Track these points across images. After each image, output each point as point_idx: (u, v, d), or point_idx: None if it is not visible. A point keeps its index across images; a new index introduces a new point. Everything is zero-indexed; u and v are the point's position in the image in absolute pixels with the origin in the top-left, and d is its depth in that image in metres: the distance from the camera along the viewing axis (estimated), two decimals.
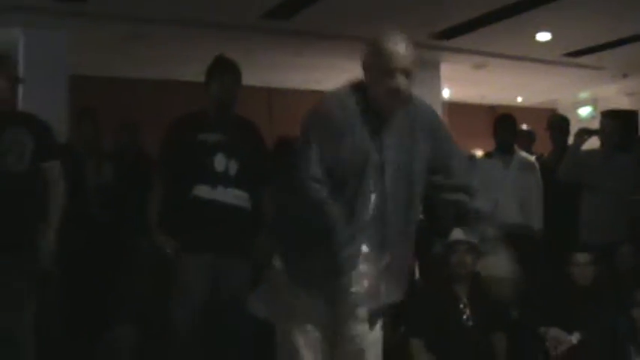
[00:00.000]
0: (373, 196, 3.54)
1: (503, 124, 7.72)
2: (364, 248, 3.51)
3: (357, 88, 3.66)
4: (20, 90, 9.34)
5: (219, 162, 5.18)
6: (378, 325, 3.73)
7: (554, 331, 5.99)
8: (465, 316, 5.82)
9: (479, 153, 8.17)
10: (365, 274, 3.51)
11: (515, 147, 7.72)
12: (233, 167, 5.21)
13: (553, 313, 6.10)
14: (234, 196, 5.20)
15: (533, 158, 7.94)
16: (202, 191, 5.13)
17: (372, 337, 3.66)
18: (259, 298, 6.60)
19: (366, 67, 3.64)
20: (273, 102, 13.73)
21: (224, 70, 5.40)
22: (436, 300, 5.85)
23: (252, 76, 11.93)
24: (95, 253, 6.55)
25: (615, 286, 6.45)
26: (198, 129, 5.26)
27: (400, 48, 3.60)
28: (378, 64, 3.58)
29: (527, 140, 8.64)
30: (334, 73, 12.22)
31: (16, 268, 4.77)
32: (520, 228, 7.36)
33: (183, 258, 5.12)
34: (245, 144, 5.35)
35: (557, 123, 8.60)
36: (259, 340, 5.70)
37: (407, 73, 3.59)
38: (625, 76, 13.57)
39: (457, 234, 6.10)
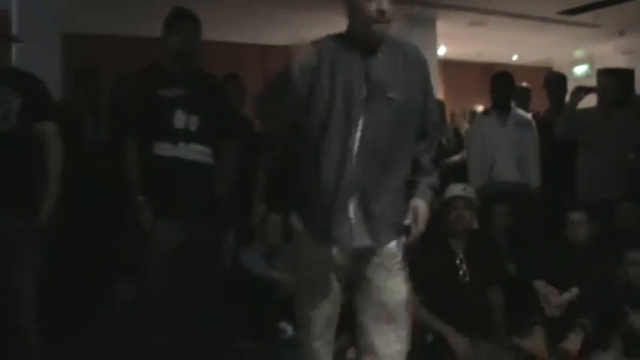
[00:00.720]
0: (360, 125, 3.55)
1: (501, 82, 7.74)
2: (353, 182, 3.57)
3: (333, 35, 3.71)
4: (14, 49, 9.42)
5: (179, 118, 5.03)
6: (402, 280, 3.76)
7: (545, 288, 6.03)
8: (461, 272, 5.85)
9: (479, 109, 8.17)
10: (356, 211, 3.61)
11: (513, 104, 7.73)
12: (194, 123, 5.07)
13: (549, 269, 6.14)
14: (195, 152, 5.07)
15: (529, 115, 7.94)
16: (163, 149, 5.01)
17: (397, 292, 3.72)
18: (255, 254, 6.70)
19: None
20: (268, 59, 13.68)
21: (182, 20, 5.19)
22: (432, 256, 5.86)
23: (247, 33, 11.95)
24: (94, 209, 6.57)
25: (613, 243, 6.48)
26: (157, 84, 5.11)
27: None
28: None
29: (525, 98, 8.62)
30: (330, 30, 12.22)
31: (17, 229, 4.69)
32: (518, 185, 7.40)
33: (156, 221, 5.04)
34: (207, 98, 5.20)
35: (554, 81, 8.60)
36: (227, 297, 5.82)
37: None
38: (621, 34, 13.57)
39: (455, 190, 6.11)
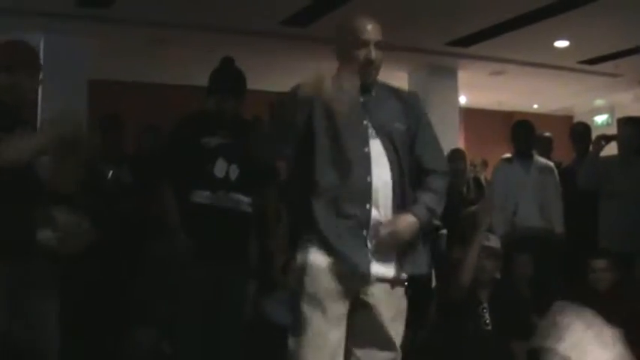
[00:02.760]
0: (363, 159, 3.66)
1: (522, 130, 7.77)
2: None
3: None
4: (40, 93, 9.53)
5: (220, 167, 5.12)
6: (399, 298, 3.86)
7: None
8: (485, 320, 5.83)
9: (505, 156, 8.20)
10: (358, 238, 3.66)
11: (534, 152, 7.75)
12: (234, 172, 5.15)
13: None
14: (234, 201, 5.14)
15: (551, 163, 7.95)
16: (202, 197, 5.07)
17: (391, 309, 3.79)
18: (278, 303, 6.70)
19: (339, 47, 3.88)
20: None
21: (227, 77, 5.34)
22: (456, 303, 5.85)
23: (271, 81, 12.01)
24: (115, 254, 6.59)
25: (633, 295, 6.45)
26: (200, 132, 5.18)
27: (368, 22, 3.85)
28: (350, 39, 3.80)
29: (547, 146, 8.62)
30: None
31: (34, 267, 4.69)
32: (541, 231, 7.38)
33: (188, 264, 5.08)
34: (246, 146, 5.20)
35: (579, 131, 8.60)
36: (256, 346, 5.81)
37: (378, 46, 3.82)
38: None
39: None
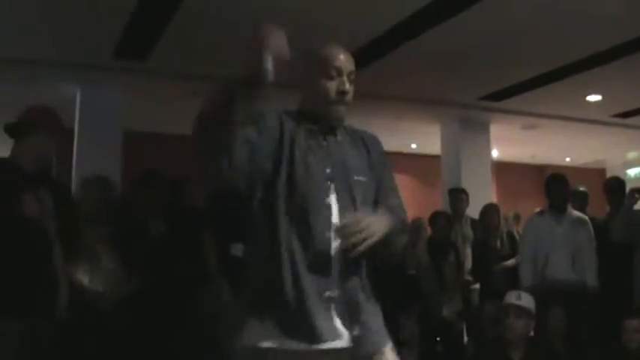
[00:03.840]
0: (325, 213, 3.14)
1: (556, 183, 7.74)
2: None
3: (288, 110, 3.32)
4: (75, 145, 9.63)
5: None
6: None
7: None
8: None
9: (537, 210, 8.19)
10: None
11: (569, 206, 7.72)
12: None
13: None
14: None
15: (585, 216, 7.93)
16: (237, 249, 5.17)
17: None
18: None
19: (306, 75, 3.31)
20: None
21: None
22: None
23: None
24: (150, 306, 6.60)
25: None
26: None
27: (342, 52, 3.31)
28: (322, 68, 3.27)
29: (583, 201, 8.58)
30: (384, 133, 12.32)
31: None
32: (573, 284, 7.34)
33: None
34: None
35: (614, 185, 8.59)
36: None
37: (350, 78, 3.30)
38: None
39: (509, 297, 6.11)
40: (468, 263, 8.75)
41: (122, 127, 9.99)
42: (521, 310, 5.99)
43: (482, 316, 7.45)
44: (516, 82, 9.90)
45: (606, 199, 8.49)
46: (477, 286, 8.47)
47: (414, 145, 14.73)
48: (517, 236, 9.41)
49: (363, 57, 8.46)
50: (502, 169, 15.82)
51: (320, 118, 3.29)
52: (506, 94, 10.54)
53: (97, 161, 8.90)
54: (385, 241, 3.10)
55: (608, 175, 12.84)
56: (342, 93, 3.25)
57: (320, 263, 3.08)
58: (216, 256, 5.18)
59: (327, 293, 3.08)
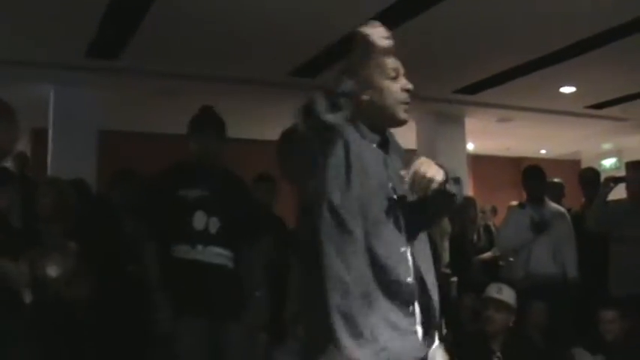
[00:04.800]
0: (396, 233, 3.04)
1: (533, 176, 7.76)
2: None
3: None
4: (50, 145, 9.58)
5: (199, 220, 4.97)
6: None
7: None
8: None
9: (513, 203, 8.19)
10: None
11: (546, 198, 7.75)
12: (214, 225, 5.00)
13: None
14: (214, 255, 4.98)
15: (563, 208, 7.95)
16: (181, 251, 4.92)
17: None
18: (288, 353, 6.68)
19: (365, 73, 3.06)
20: None
21: (205, 123, 5.21)
22: (470, 353, 5.83)
23: (279, 131, 12.06)
24: (128, 308, 6.54)
25: None
26: (179, 184, 5.04)
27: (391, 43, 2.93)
28: (382, 65, 3.14)
29: (558, 192, 8.61)
30: None
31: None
32: (554, 277, 7.36)
33: (177, 323, 4.91)
34: (230, 199, 5.12)
35: (589, 176, 8.62)
36: None
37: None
38: None
39: (490, 291, 6.12)
40: (446, 256, 8.75)
41: (97, 126, 9.94)
42: (501, 304, 6.00)
43: (460, 309, 7.46)
44: (490, 75, 9.91)
45: (581, 190, 8.52)
46: (455, 279, 8.48)
47: None
48: (494, 229, 9.44)
49: (337, 52, 8.46)
50: (478, 162, 15.85)
51: (379, 131, 3.19)
52: (481, 87, 10.56)
53: (72, 161, 8.87)
54: (443, 191, 3.00)
55: (584, 166, 12.86)
56: (407, 91, 3.19)
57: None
58: (153, 260, 5.00)
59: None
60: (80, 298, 5.22)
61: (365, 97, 3.11)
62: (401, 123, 3.21)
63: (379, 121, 3.18)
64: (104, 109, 10.03)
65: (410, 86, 3.17)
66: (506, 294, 6.09)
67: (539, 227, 7.47)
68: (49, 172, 9.45)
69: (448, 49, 8.65)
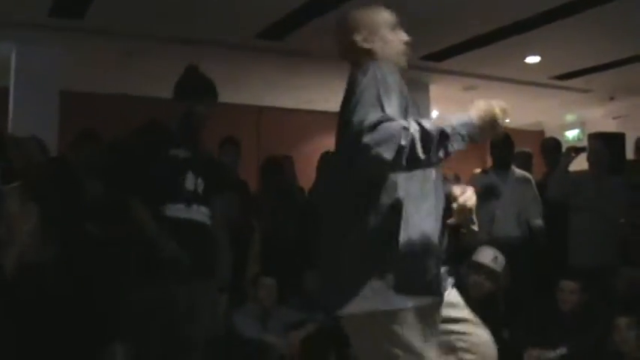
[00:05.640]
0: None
1: (499, 142, 7.78)
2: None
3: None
4: (11, 105, 9.48)
5: (190, 180, 4.96)
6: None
7: (534, 352, 6.07)
8: None
9: (476, 171, 8.22)
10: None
11: (512, 165, 7.78)
12: (200, 185, 5.00)
13: (540, 335, 6.17)
14: (203, 214, 5.00)
15: (529, 174, 7.98)
16: (177, 210, 4.88)
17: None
18: (248, 316, 6.70)
19: (373, 30, 3.45)
20: (264, 120, 13.76)
21: (194, 85, 5.14)
22: None
23: (244, 94, 12.02)
24: (90, 268, 6.51)
25: (608, 308, 6.52)
26: (167, 144, 5.00)
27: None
28: (386, 20, 3.47)
29: (527, 162, 8.64)
30: (325, 93, 12.30)
31: None
32: (516, 240, 7.40)
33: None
34: (207, 161, 5.18)
35: (550, 145, 8.67)
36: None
37: None
38: (612, 99, 13.67)
39: (485, 256, 6.15)
40: None
41: (59, 87, 9.84)
42: (493, 274, 6.06)
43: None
44: (457, 43, 9.91)
45: (543, 159, 8.58)
46: None
47: None
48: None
49: (303, 16, 8.43)
50: None
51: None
52: (447, 55, 10.56)
53: (34, 121, 8.77)
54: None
55: (547, 137, 12.95)
56: (407, 44, 3.49)
57: None
58: (149, 217, 4.96)
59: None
60: (44, 260, 5.20)
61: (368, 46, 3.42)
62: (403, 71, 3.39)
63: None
64: (67, 70, 9.93)
65: (406, 38, 3.47)
66: (499, 264, 6.14)
67: (486, 193, 7.49)
68: (9, 131, 9.35)
69: (414, 15, 8.61)
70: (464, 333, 3.40)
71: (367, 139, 2.83)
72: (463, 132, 2.99)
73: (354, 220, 3.11)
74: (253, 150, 11.78)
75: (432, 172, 3.22)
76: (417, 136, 2.87)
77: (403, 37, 3.47)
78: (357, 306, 3.04)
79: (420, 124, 2.90)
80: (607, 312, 6.39)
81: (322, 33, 9.24)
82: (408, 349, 3.04)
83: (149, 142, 5.09)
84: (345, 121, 3.08)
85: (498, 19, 8.78)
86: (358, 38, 3.45)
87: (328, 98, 13.01)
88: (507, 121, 2.87)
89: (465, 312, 3.47)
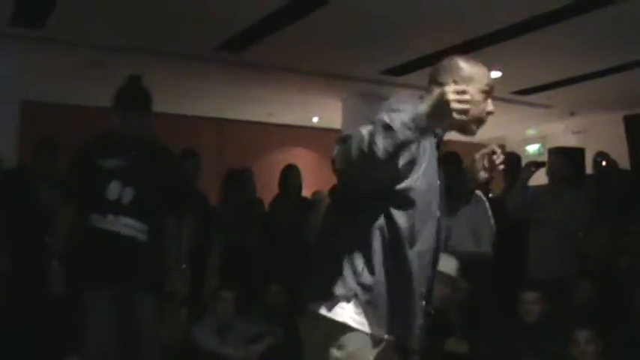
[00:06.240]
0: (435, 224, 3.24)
1: (448, 160, 7.79)
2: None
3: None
4: None
5: (113, 189, 4.87)
6: None
7: None
8: None
9: None
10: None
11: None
12: (128, 195, 4.90)
13: (501, 347, 6.18)
14: (124, 225, 4.89)
15: (478, 191, 8.02)
16: (94, 220, 4.85)
17: None
18: (207, 329, 6.67)
19: (465, 80, 3.29)
20: (224, 133, 13.74)
21: (130, 95, 5.11)
22: None
23: (204, 106, 12.02)
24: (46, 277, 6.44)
25: (564, 320, 6.55)
26: (98, 153, 4.98)
27: (488, 70, 3.42)
28: (479, 83, 3.35)
29: None
30: (286, 106, 12.31)
31: None
32: (472, 255, 7.42)
33: (87, 293, 4.89)
34: (151, 172, 5.05)
35: (510, 160, 8.70)
36: None
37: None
38: (572, 114, 13.79)
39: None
40: None
41: (20, 97, 9.79)
42: (445, 277, 6.07)
43: None
44: (417, 57, 9.94)
45: (502, 174, 8.60)
46: None
47: (315, 119, 14.70)
48: None
49: (263, 29, 8.43)
50: None
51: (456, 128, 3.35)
52: (408, 69, 10.58)
53: None
54: None
55: (507, 151, 13.02)
56: (488, 115, 3.43)
57: None
58: (62, 229, 4.95)
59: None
60: None
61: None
62: (468, 133, 3.45)
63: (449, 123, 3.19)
64: (28, 80, 9.88)
65: (491, 109, 3.42)
66: (451, 267, 6.15)
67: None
68: None
69: (375, 29, 8.66)
70: None
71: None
72: (406, 119, 2.81)
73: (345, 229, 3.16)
74: (214, 162, 11.74)
75: (436, 210, 3.25)
76: (365, 131, 2.87)
77: (490, 107, 3.41)
78: (325, 309, 3.08)
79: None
80: (565, 324, 6.42)
81: (281, 47, 9.31)
82: None
83: (80, 153, 5.13)
84: None
85: (459, 34, 8.82)
86: (447, 81, 3.30)
87: (288, 112, 13.06)
88: (467, 106, 2.75)
89: None
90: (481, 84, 3.34)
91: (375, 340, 3.10)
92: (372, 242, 3.07)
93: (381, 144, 2.79)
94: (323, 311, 3.08)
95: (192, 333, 6.65)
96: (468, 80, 3.28)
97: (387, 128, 2.80)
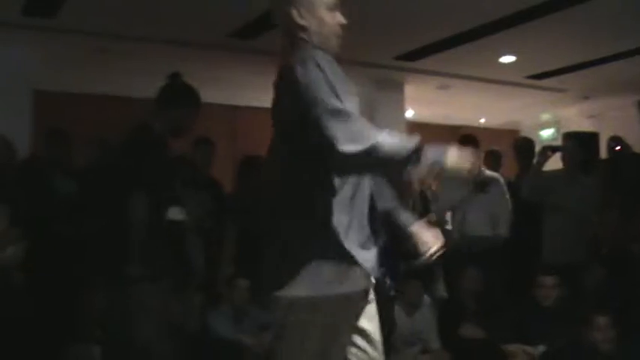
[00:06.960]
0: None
1: (466, 144, 7.78)
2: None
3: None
4: None
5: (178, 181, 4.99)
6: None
7: (513, 346, 6.08)
8: None
9: None
10: None
11: (480, 167, 7.79)
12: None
13: (518, 331, 6.19)
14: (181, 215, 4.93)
15: (497, 174, 8.01)
16: (175, 213, 4.83)
17: None
18: (223, 316, 6.68)
19: (310, 7, 3.32)
20: (238, 120, 13.70)
21: (179, 94, 5.16)
22: None
23: (217, 94, 11.98)
24: (59, 267, 6.47)
25: (578, 306, 6.54)
26: (164, 146, 4.97)
27: None
28: (323, 4, 3.34)
29: (496, 161, 8.67)
30: None
31: None
32: (488, 240, 7.42)
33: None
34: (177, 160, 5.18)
35: (523, 145, 8.69)
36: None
37: None
38: (586, 98, 13.72)
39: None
40: None
41: (32, 87, 9.79)
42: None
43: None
44: (431, 42, 9.90)
45: (515, 158, 8.59)
46: None
47: None
48: (429, 195, 9.47)
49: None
50: (416, 129, 15.72)
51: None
52: (421, 54, 10.54)
53: (6, 121, 8.71)
54: None
55: (520, 136, 13.01)
56: (341, 26, 3.38)
57: None
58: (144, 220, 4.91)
59: None
60: (13, 262, 5.17)
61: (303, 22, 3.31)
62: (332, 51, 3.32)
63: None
64: (41, 69, 9.87)
65: (343, 20, 3.37)
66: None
67: (479, 186, 7.53)
68: None
69: (389, 14, 8.62)
70: (363, 350, 3.34)
71: (338, 130, 3.03)
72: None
73: (298, 208, 3.24)
74: (228, 150, 11.72)
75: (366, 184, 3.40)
76: (389, 140, 3.07)
77: (341, 19, 3.37)
78: (293, 290, 3.12)
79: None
80: (580, 308, 6.42)
81: None
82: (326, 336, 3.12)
83: (147, 144, 5.03)
84: (290, 120, 3.27)
85: (473, 18, 8.78)
86: (293, 12, 3.32)
87: None
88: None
89: (376, 331, 3.40)
90: (324, 4, 3.34)
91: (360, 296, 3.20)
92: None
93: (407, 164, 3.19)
94: (299, 291, 3.11)
95: (208, 320, 6.67)
96: (310, 5, 3.31)
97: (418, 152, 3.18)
